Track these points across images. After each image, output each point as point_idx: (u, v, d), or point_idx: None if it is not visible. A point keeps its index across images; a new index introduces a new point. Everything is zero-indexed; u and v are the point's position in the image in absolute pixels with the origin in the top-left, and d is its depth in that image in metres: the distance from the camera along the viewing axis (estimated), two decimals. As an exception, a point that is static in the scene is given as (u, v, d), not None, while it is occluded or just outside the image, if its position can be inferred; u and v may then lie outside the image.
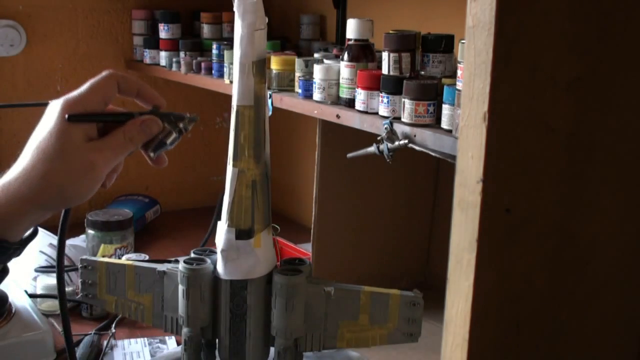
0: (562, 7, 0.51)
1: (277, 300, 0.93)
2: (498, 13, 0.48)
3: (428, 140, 1.05)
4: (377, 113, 1.15)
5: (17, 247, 0.80)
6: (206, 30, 1.77)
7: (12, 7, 1.78)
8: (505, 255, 0.54)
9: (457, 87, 1.01)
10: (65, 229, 0.89)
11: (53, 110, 0.78)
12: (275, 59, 1.37)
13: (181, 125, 0.84)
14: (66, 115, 0.77)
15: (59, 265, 0.91)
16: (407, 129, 1.08)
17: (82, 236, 1.57)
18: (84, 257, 1.02)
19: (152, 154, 0.84)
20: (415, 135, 1.06)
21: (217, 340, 0.99)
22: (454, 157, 0.82)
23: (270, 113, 1.34)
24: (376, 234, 1.46)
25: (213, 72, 1.60)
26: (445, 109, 1.04)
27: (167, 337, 1.32)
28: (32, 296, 1.37)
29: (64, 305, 0.94)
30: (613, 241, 0.60)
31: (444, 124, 1.05)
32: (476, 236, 0.51)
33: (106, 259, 1.03)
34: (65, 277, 1.26)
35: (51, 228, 1.44)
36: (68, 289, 1.36)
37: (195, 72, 1.67)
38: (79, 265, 1.02)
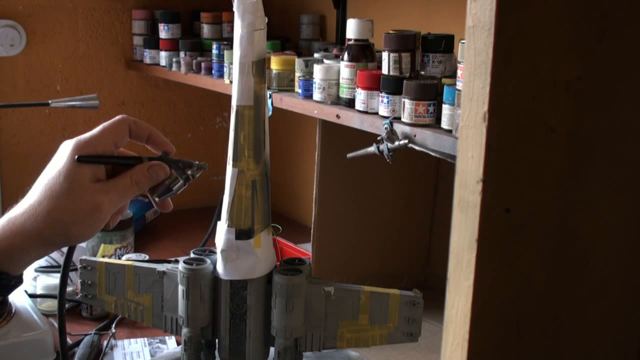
0: (562, 7, 0.51)
1: (277, 300, 0.93)
2: (498, 13, 0.48)
3: (428, 140, 1.05)
4: (377, 113, 1.15)
5: (17, 281, 0.81)
6: (206, 30, 1.77)
7: (12, 7, 1.78)
8: (505, 255, 0.54)
9: (457, 87, 1.01)
10: (68, 267, 0.91)
11: (64, 150, 0.81)
12: (275, 59, 1.37)
13: (189, 172, 0.86)
14: (76, 156, 0.79)
15: (65, 268, 0.92)
16: (407, 129, 1.08)
17: (82, 236, 1.57)
18: (84, 257, 1.02)
19: (157, 199, 0.86)
20: (415, 135, 1.06)
21: (217, 340, 0.99)
22: (454, 157, 0.82)
23: (270, 113, 1.34)
24: (376, 233, 1.46)
25: (213, 72, 1.60)
26: (445, 109, 1.04)
27: (167, 337, 1.32)
28: (32, 296, 1.37)
29: (62, 307, 0.94)
30: (613, 241, 0.60)
31: (444, 124, 1.05)
32: (476, 236, 0.51)
33: (106, 259, 1.03)
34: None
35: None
36: (68, 289, 1.36)
37: (195, 72, 1.67)
38: (79, 266, 1.02)
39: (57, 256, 1.48)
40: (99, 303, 1.02)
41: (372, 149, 1.13)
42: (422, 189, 1.50)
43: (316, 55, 1.40)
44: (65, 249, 0.89)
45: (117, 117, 0.84)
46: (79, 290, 1.03)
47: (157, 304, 1.00)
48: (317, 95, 1.26)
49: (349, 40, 1.22)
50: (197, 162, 0.87)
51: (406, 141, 1.07)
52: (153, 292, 1.00)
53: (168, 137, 0.90)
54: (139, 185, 0.83)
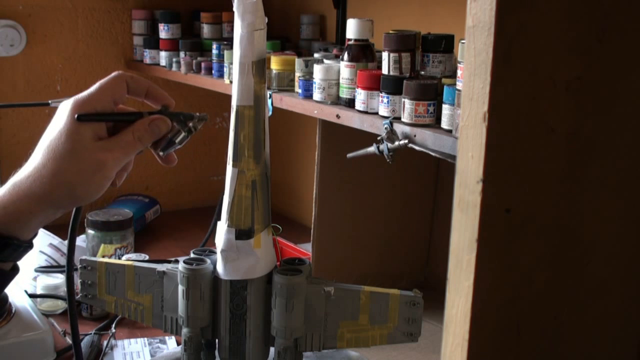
0: (562, 7, 0.51)
1: (277, 300, 0.93)
2: (498, 13, 0.48)
3: (428, 140, 1.05)
4: (377, 113, 1.15)
5: (27, 246, 0.81)
6: (206, 30, 1.77)
7: (12, 7, 1.78)
8: (505, 256, 0.54)
9: (457, 87, 1.01)
10: (76, 228, 0.91)
11: (63, 110, 0.80)
12: (275, 59, 1.37)
13: (190, 124, 0.85)
14: (76, 115, 0.78)
15: (69, 263, 0.92)
16: (407, 129, 1.08)
17: (82, 236, 1.57)
18: (84, 257, 1.02)
19: (161, 153, 0.85)
20: (415, 135, 1.06)
21: (217, 340, 0.99)
22: (454, 157, 0.82)
23: (270, 113, 1.34)
24: (376, 233, 1.46)
25: (213, 72, 1.60)
26: (445, 109, 1.04)
27: (167, 337, 1.32)
28: (32, 296, 1.37)
29: (72, 305, 0.94)
30: (613, 241, 0.60)
31: (444, 124, 1.05)
32: (476, 236, 0.51)
33: (106, 259, 1.03)
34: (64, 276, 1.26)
35: (53, 228, 1.44)
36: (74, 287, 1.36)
37: (195, 72, 1.67)
38: (79, 266, 1.02)
39: (57, 256, 1.48)
40: (99, 303, 1.02)
41: (372, 149, 1.13)
42: (422, 189, 1.50)
43: (316, 55, 1.40)
44: (65, 249, 0.89)
45: (114, 73, 0.83)
46: (79, 290, 1.03)
47: (157, 304, 1.00)
48: (317, 95, 1.26)
49: (349, 40, 1.22)
50: (198, 114, 0.86)
51: (406, 141, 1.07)
52: (153, 292, 1.00)
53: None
54: (142, 140, 0.82)
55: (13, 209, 0.77)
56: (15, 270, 0.83)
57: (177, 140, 0.85)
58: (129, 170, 0.87)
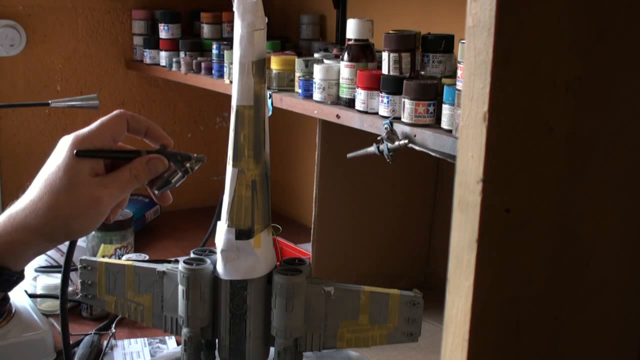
0: (562, 8, 0.51)
1: (277, 300, 0.93)
2: (498, 13, 0.48)
3: (428, 140, 1.05)
4: (377, 113, 1.15)
5: (19, 277, 0.82)
6: (206, 30, 1.77)
7: (12, 7, 1.78)
8: (505, 255, 0.54)
9: (457, 87, 1.01)
10: (71, 260, 0.91)
11: (63, 145, 0.81)
12: (275, 59, 1.37)
13: (187, 165, 0.87)
14: (75, 151, 0.80)
15: (66, 264, 0.92)
16: (407, 129, 1.08)
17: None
18: (84, 257, 1.02)
19: (156, 192, 0.87)
20: (415, 135, 1.06)
21: (217, 340, 0.99)
22: (454, 157, 0.82)
23: (270, 113, 1.34)
24: (376, 233, 1.46)
25: (213, 72, 1.60)
26: (445, 109, 1.04)
27: (167, 337, 1.32)
28: (32, 296, 1.37)
29: (64, 306, 0.94)
30: (613, 241, 0.60)
31: (444, 124, 1.05)
32: (476, 236, 0.51)
33: (106, 259, 1.03)
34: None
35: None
36: (68, 289, 1.36)
37: (195, 72, 1.67)
38: (79, 266, 1.02)
39: (57, 256, 1.48)
40: (99, 303, 1.02)
41: (372, 149, 1.13)
42: (422, 189, 1.50)
43: (316, 55, 1.40)
44: (65, 249, 0.89)
45: (115, 112, 0.85)
46: (79, 290, 1.03)
47: (157, 304, 1.00)
48: (317, 95, 1.26)
49: (349, 40, 1.22)
50: (195, 155, 0.87)
51: (406, 141, 1.07)
52: (153, 292, 1.00)
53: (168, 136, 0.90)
54: (138, 178, 0.83)
55: (7, 240, 0.78)
56: (5, 300, 0.84)
57: (173, 180, 0.86)
58: (124, 207, 0.89)
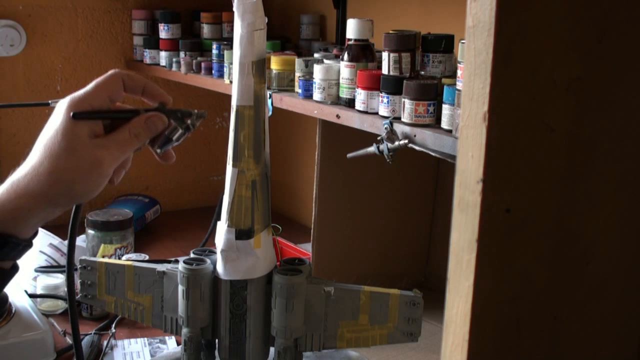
0: (562, 7, 0.51)
1: (277, 300, 0.93)
2: (498, 13, 0.48)
3: (428, 140, 1.05)
4: (377, 113, 1.15)
5: (26, 244, 0.81)
6: (206, 30, 1.77)
7: (12, 7, 1.78)
8: (505, 255, 0.54)
9: (457, 87, 1.01)
10: (76, 227, 0.91)
11: (60, 109, 0.80)
12: (275, 59, 1.37)
13: (189, 121, 0.85)
14: (71, 113, 0.78)
15: (69, 262, 0.92)
16: (407, 129, 1.08)
17: (82, 236, 1.57)
18: (83, 257, 1.02)
19: (158, 150, 0.85)
20: (415, 135, 1.06)
21: (216, 340, 0.99)
22: (454, 157, 0.82)
23: (270, 113, 1.34)
24: (376, 234, 1.46)
25: (213, 72, 1.60)
26: (445, 109, 1.04)
27: (167, 337, 1.32)
28: (32, 296, 1.37)
29: (72, 304, 0.94)
30: (613, 241, 0.60)
31: (444, 124, 1.05)
32: (476, 236, 0.51)
33: (105, 260, 1.03)
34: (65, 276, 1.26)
35: (53, 228, 1.44)
36: (74, 287, 1.36)
37: (195, 72, 1.67)
38: (78, 266, 1.02)
39: (57, 256, 1.48)
40: (98, 303, 1.02)
41: (372, 149, 1.13)
42: (422, 189, 1.50)
43: (316, 55, 1.40)
44: (65, 248, 0.89)
45: (110, 71, 0.83)
46: (79, 290, 1.03)
47: (157, 304, 1.00)
48: (317, 95, 1.26)
49: (349, 40, 1.22)
50: (196, 111, 0.85)
51: (406, 141, 1.07)
52: (153, 293, 1.00)
53: (168, 136, 0.90)
54: (138, 137, 0.82)
55: (11, 207, 0.78)
56: (14, 268, 0.83)
57: (174, 138, 0.85)
58: (127, 167, 0.87)
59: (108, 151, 0.79)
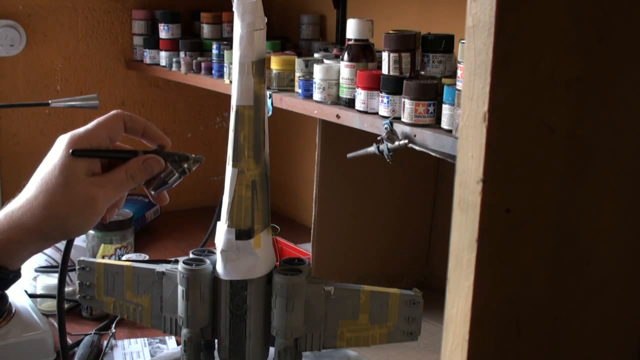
0: (562, 7, 0.51)
1: (277, 300, 0.93)
2: (498, 13, 0.48)
3: (428, 140, 1.05)
4: (377, 113, 1.15)
5: (15, 275, 0.82)
6: (206, 30, 1.77)
7: (12, 7, 1.78)
8: (505, 255, 0.54)
9: (457, 87, 1.01)
10: (67, 260, 0.91)
11: (60, 144, 0.81)
12: (275, 59, 1.37)
13: (185, 165, 0.87)
14: (70, 150, 0.80)
15: (62, 267, 0.92)
16: (407, 129, 1.08)
17: (82, 236, 1.57)
18: (82, 258, 1.02)
19: (153, 192, 0.87)
20: (415, 135, 1.06)
21: (216, 340, 0.99)
22: (454, 157, 0.82)
23: (270, 113, 1.34)
24: (376, 234, 1.46)
25: (213, 72, 1.60)
26: (445, 109, 1.04)
27: (167, 337, 1.32)
28: (32, 296, 1.37)
29: (61, 307, 0.94)
30: (613, 241, 0.60)
31: (444, 124, 1.05)
32: (476, 236, 0.51)
33: (104, 260, 1.03)
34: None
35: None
36: (68, 289, 1.36)
37: (195, 72, 1.67)
38: (77, 267, 1.01)
39: (57, 256, 1.48)
40: (97, 304, 1.02)
41: (372, 149, 1.13)
42: (422, 189, 1.50)
43: (316, 55, 1.40)
44: (63, 247, 0.89)
45: (112, 112, 0.85)
46: (77, 291, 1.03)
47: (156, 304, 1.00)
48: (317, 95, 1.26)
49: (349, 40, 1.22)
50: (193, 155, 0.87)
51: (406, 141, 1.07)
52: (152, 293, 1.00)
53: (168, 136, 0.90)
54: (134, 178, 0.83)
55: (3, 238, 0.79)
56: (4, 299, 0.84)
57: (169, 181, 0.86)
58: (120, 206, 0.89)
59: (103, 190, 0.81)
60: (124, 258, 1.46)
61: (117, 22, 1.91)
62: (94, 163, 0.82)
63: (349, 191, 1.40)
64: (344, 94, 1.21)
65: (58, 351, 1.23)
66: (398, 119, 1.10)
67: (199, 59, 1.68)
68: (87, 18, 1.88)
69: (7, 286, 0.82)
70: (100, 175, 0.82)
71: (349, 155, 1.21)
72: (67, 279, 1.39)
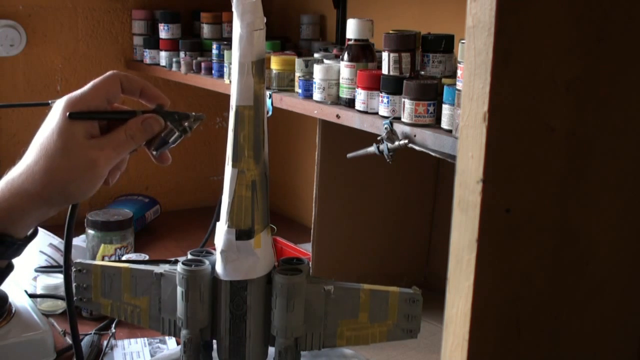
0: (562, 7, 0.51)
1: (277, 300, 0.93)
2: (498, 13, 0.48)
3: (428, 140, 1.05)
4: (377, 113, 1.15)
5: (22, 244, 0.81)
6: (206, 30, 1.77)
7: (12, 7, 1.78)
8: (505, 255, 0.54)
9: (457, 87, 1.01)
10: (72, 226, 0.90)
11: (56, 109, 0.80)
12: (275, 59, 1.37)
13: (186, 124, 0.85)
14: (67, 113, 0.78)
15: (66, 262, 0.91)
16: (407, 129, 1.08)
17: (82, 236, 1.57)
18: (78, 260, 1.01)
19: (154, 152, 0.85)
20: (415, 135, 1.06)
21: (214, 340, 0.99)
22: (454, 157, 0.82)
23: (270, 113, 1.34)
24: (376, 233, 1.46)
25: (213, 72, 1.60)
26: (445, 109, 1.04)
27: (167, 337, 1.32)
28: (32, 296, 1.36)
29: (70, 304, 0.94)
30: (613, 241, 0.60)
31: (444, 124, 1.05)
32: (476, 236, 0.51)
33: (101, 262, 1.02)
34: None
35: (53, 228, 1.44)
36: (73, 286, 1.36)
37: (195, 72, 1.67)
38: (73, 269, 1.01)
39: (57, 256, 1.48)
40: (94, 307, 1.02)
41: (372, 149, 1.13)
42: (422, 189, 1.50)
43: (316, 55, 1.40)
44: (62, 247, 0.88)
45: (108, 73, 0.83)
46: (74, 293, 1.02)
47: (155, 306, 1.00)
48: (317, 95, 1.25)
49: (349, 40, 1.22)
50: (193, 113, 0.85)
51: (406, 141, 1.07)
52: (150, 295, 0.99)
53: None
54: (134, 138, 0.82)
55: (6, 206, 0.78)
56: (10, 267, 0.83)
57: (170, 140, 0.84)
58: (123, 169, 0.87)
59: (103, 152, 0.79)
60: (124, 258, 1.46)
61: (117, 22, 1.91)
62: (93, 125, 0.80)
63: (349, 191, 1.40)
64: (344, 94, 1.21)
65: (58, 351, 1.23)
66: (398, 119, 1.10)
67: (199, 59, 1.68)
68: (87, 18, 1.87)
69: (15, 254, 0.80)
70: (100, 138, 0.80)
71: (349, 155, 1.21)
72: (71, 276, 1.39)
